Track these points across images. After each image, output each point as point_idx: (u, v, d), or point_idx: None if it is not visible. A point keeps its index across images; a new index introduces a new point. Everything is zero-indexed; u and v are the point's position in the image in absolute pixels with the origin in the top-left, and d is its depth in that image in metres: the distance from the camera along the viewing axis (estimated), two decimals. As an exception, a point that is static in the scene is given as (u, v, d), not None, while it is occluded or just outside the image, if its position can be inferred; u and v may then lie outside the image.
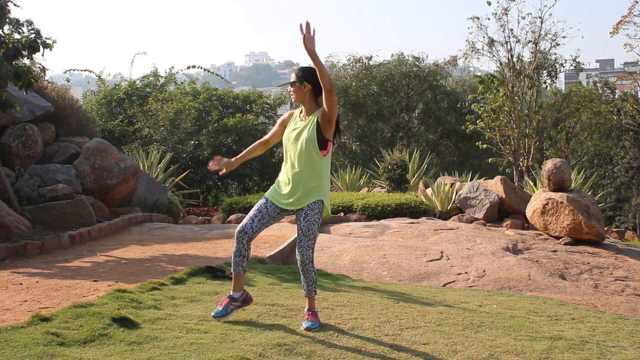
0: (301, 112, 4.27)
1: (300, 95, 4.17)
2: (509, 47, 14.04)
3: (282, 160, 4.32)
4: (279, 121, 4.42)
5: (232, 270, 4.28)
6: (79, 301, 4.52)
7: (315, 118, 4.13)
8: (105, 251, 7.14)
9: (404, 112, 20.51)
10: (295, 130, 4.18)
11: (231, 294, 4.29)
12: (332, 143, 4.22)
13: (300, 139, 4.12)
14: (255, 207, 4.23)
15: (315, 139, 4.09)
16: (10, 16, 7.45)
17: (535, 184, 11.88)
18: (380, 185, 13.75)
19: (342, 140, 20.25)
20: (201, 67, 19.07)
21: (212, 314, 4.24)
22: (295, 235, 7.53)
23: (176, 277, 5.33)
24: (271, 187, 4.30)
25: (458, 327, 4.32)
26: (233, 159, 4.48)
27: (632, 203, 18.56)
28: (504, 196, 10.26)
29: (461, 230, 8.87)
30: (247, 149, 4.56)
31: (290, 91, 4.23)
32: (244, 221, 4.18)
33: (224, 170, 4.48)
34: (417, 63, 20.17)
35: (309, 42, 3.88)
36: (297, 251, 4.13)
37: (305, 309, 4.25)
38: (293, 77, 4.20)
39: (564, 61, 14.53)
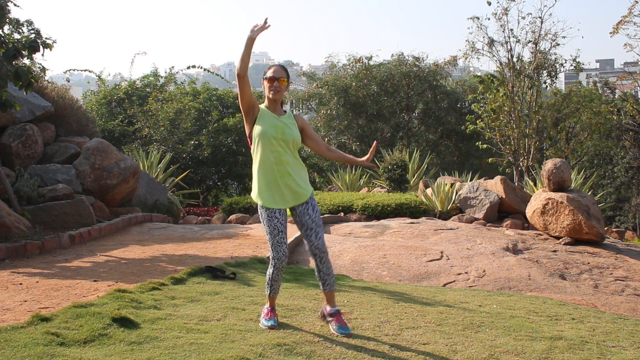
0: (266, 106, 4.12)
1: (283, 93, 4.12)
2: (509, 47, 14.05)
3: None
4: (253, 98, 4.11)
5: (269, 294, 4.15)
6: (79, 301, 4.52)
7: (296, 122, 4.13)
8: (105, 251, 7.14)
9: (404, 112, 20.52)
10: (280, 127, 4.05)
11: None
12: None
13: (291, 137, 4.06)
14: (272, 228, 4.00)
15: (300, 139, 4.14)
16: (10, 16, 7.45)
17: (535, 184, 11.88)
18: (380, 185, 13.75)
19: (342, 140, 20.27)
20: (201, 67, 19.08)
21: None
22: (295, 235, 7.53)
23: (176, 277, 5.32)
24: (262, 193, 4.06)
25: (458, 327, 4.31)
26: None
27: (632, 203, 18.56)
28: (504, 196, 10.26)
29: (461, 230, 8.87)
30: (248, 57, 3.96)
31: (272, 86, 4.05)
32: (278, 250, 3.99)
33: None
34: (417, 63, 20.17)
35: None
36: (315, 244, 4.00)
37: (330, 309, 4.08)
38: (284, 74, 4.08)
39: (564, 61, 14.54)
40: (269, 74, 4.08)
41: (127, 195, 10.17)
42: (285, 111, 4.17)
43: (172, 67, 18.63)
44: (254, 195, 4.15)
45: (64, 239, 7.35)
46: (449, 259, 7.30)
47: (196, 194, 15.45)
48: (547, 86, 15.90)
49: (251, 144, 4.12)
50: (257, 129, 4.05)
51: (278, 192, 4.04)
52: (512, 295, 5.80)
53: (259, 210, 4.13)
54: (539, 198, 8.87)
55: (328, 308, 4.10)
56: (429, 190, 11.04)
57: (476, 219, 10.07)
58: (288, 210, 4.12)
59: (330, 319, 4.08)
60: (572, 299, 6.04)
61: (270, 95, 4.08)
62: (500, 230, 9.31)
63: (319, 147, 4.27)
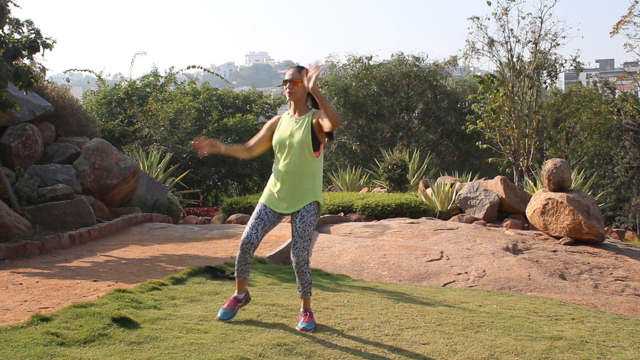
0: (289, 112, 4.20)
1: (300, 94, 4.10)
2: (509, 47, 14.06)
3: None
4: (266, 126, 4.31)
5: (235, 276, 4.27)
6: (79, 301, 4.52)
7: (309, 119, 4.08)
8: (105, 251, 7.14)
9: (404, 112, 20.52)
10: (288, 131, 4.10)
11: (236, 295, 4.30)
12: (324, 145, 4.26)
13: (294, 140, 4.06)
14: (255, 215, 4.17)
15: (310, 141, 4.05)
16: (10, 16, 7.45)
17: (535, 184, 11.88)
18: (380, 185, 13.75)
19: (342, 140, 20.28)
20: (201, 67, 19.09)
21: (219, 316, 4.19)
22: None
23: (176, 277, 5.32)
24: (265, 191, 4.24)
25: (458, 327, 4.31)
26: (223, 146, 4.27)
27: (632, 203, 18.57)
28: (504, 196, 10.26)
29: (461, 230, 8.87)
30: (236, 147, 4.43)
31: (286, 88, 4.12)
32: (248, 231, 4.11)
33: (206, 150, 4.22)
34: (417, 63, 20.17)
35: (308, 81, 3.79)
36: (292, 253, 4.10)
37: (301, 310, 4.24)
38: (296, 75, 4.08)
39: (564, 61, 14.56)
40: (285, 77, 4.17)
41: (127, 195, 10.17)
42: (309, 107, 4.16)
43: (172, 67, 18.67)
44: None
45: (64, 239, 7.35)
46: (449, 259, 7.30)
47: (196, 194, 15.45)
48: (547, 86, 15.91)
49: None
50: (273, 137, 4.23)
51: (277, 195, 4.15)
52: (512, 295, 5.80)
53: None
54: (539, 198, 8.87)
55: (301, 308, 4.28)
56: (429, 190, 11.05)
57: (476, 219, 10.07)
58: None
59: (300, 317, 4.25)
60: (572, 299, 6.04)
61: (288, 98, 4.18)
62: (500, 230, 9.32)
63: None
